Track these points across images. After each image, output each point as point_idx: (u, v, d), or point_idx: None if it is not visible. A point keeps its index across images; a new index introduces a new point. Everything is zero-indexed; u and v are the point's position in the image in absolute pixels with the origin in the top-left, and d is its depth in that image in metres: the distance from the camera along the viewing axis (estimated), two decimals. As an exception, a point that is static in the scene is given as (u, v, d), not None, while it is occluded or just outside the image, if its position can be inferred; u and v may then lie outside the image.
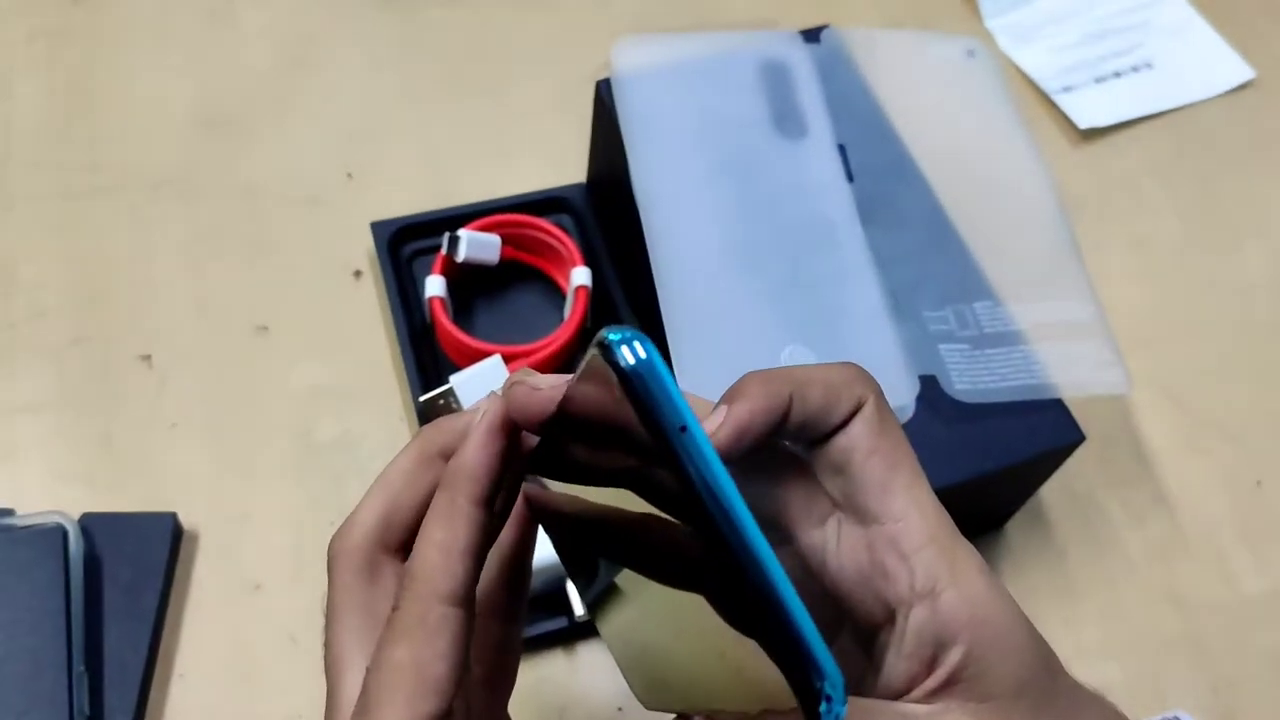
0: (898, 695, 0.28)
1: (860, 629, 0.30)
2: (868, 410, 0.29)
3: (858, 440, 0.29)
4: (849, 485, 0.29)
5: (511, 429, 0.28)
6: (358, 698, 0.26)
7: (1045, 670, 0.28)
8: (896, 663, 0.28)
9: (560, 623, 0.52)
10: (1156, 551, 0.58)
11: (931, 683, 0.27)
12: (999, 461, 0.49)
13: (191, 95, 0.69)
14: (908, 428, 0.48)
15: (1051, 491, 0.59)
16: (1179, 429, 0.63)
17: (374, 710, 0.26)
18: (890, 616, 0.29)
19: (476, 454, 0.28)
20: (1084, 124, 0.73)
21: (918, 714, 0.27)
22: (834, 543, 0.30)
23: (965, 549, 0.28)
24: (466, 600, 0.27)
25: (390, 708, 0.25)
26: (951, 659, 0.27)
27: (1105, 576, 0.58)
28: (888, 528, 0.28)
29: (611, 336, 0.23)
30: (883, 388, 0.48)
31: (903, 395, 0.48)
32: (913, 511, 0.28)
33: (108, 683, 0.49)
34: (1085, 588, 0.57)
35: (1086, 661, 0.54)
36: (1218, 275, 0.69)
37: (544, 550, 0.50)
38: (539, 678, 0.52)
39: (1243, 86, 0.77)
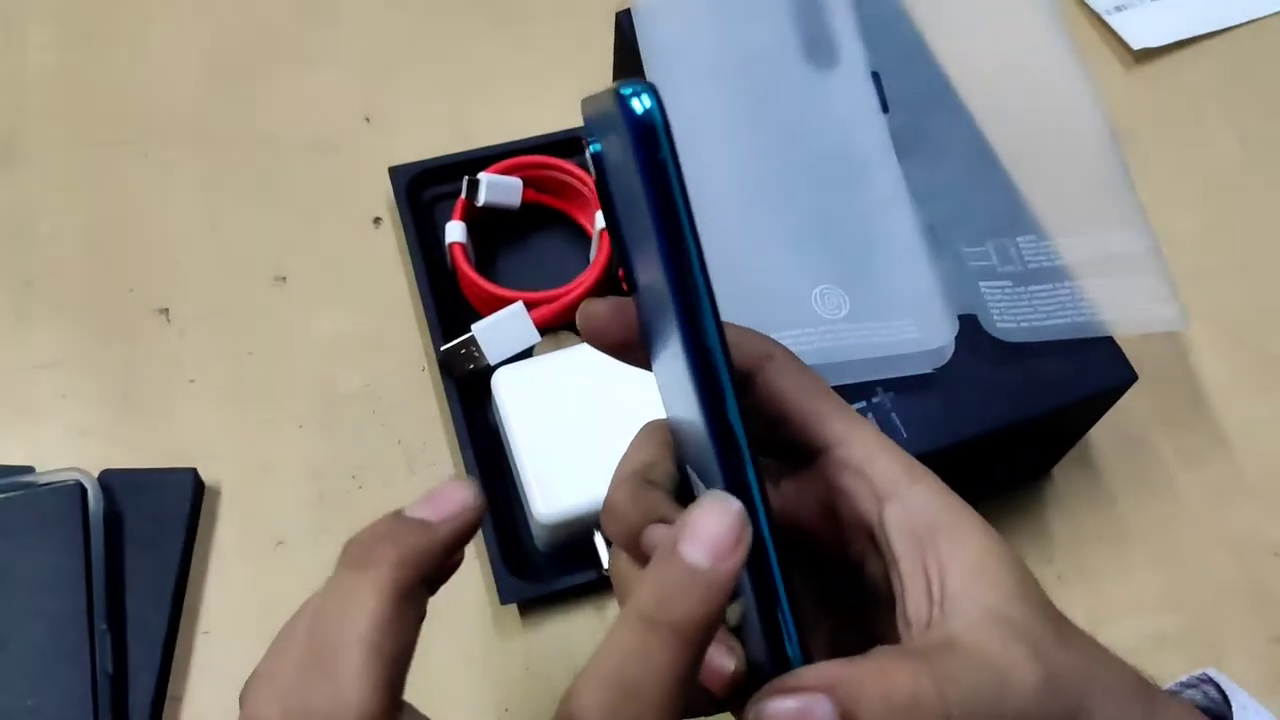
0: (924, 619, 0.26)
1: (850, 573, 0.29)
2: (779, 356, 0.29)
3: (777, 381, 0.29)
4: (785, 428, 0.29)
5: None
6: None
7: (1037, 587, 0.27)
8: (898, 582, 0.27)
9: (589, 575, 0.50)
10: (1214, 496, 0.56)
11: (936, 591, 0.26)
12: (1045, 404, 0.46)
13: (206, 42, 0.67)
14: (947, 369, 0.46)
15: (1101, 434, 0.56)
16: (1237, 367, 0.59)
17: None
18: (869, 539, 0.28)
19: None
20: (1138, 44, 0.69)
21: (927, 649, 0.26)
22: (792, 495, 0.29)
23: (915, 460, 0.28)
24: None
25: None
26: (943, 555, 0.26)
27: (1159, 522, 0.55)
28: (833, 453, 0.28)
29: (624, 90, 0.22)
30: (920, 328, 0.46)
31: (941, 335, 0.46)
32: (853, 431, 0.28)
33: (131, 640, 0.48)
34: (1138, 534, 0.55)
35: (1140, 611, 0.52)
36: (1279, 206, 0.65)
37: (567, 501, 0.49)
38: (568, 632, 0.51)
39: (1309, 1, 0.72)
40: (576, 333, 0.57)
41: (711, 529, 0.23)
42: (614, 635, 0.23)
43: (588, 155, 0.27)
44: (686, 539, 0.23)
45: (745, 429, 0.24)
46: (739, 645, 0.27)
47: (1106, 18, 0.70)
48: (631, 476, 0.29)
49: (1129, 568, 0.54)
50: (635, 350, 0.28)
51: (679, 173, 0.23)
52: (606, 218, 0.27)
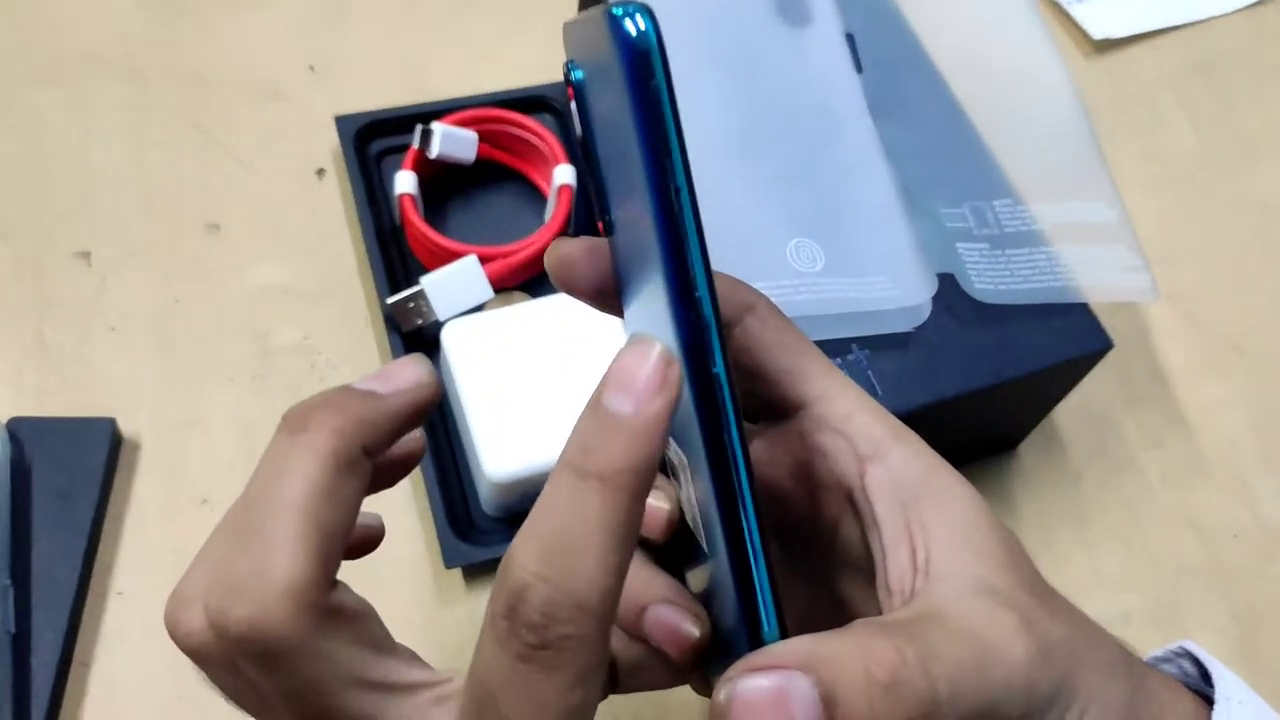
0: (908, 588, 0.25)
1: (822, 539, 0.27)
2: (760, 307, 0.27)
3: (757, 333, 0.27)
4: (762, 383, 0.27)
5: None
6: None
7: (1025, 558, 0.25)
8: (879, 548, 0.25)
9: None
10: (1175, 475, 0.55)
11: (921, 558, 0.24)
12: (1021, 367, 0.45)
13: (139, -23, 0.64)
14: (923, 329, 0.45)
15: (1066, 412, 0.55)
16: (1197, 349, 0.59)
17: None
18: (846, 501, 0.26)
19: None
20: (1098, 34, 0.69)
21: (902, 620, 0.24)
22: (764, 455, 0.27)
23: (898, 420, 0.26)
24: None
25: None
26: (928, 520, 0.24)
27: (1122, 501, 0.54)
28: (813, 410, 0.26)
29: (616, 10, 0.20)
30: (897, 284, 0.44)
31: (919, 293, 0.44)
32: (834, 389, 0.27)
33: (36, 598, 0.44)
34: (1101, 512, 0.53)
35: (1103, 589, 0.51)
36: (1235, 193, 0.65)
37: (518, 460, 0.46)
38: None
39: (1261, 2, 0.72)
40: (529, 293, 0.54)
41: (632, 372, 0.21)
42: (545, 492, 0.21)
43: (568, 83, 0.24)
44: (607, 386, 0.21)
45: (731, 384, 0.22)
46: (704, 612, 0.25)
47: (1068, 8, 0.70)
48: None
49: (1092, 545, 0.52)
50: (607, 295, 0.26)
51: (674, 103, 0.21)
52: (584, 153, 0.25)
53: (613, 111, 0.22)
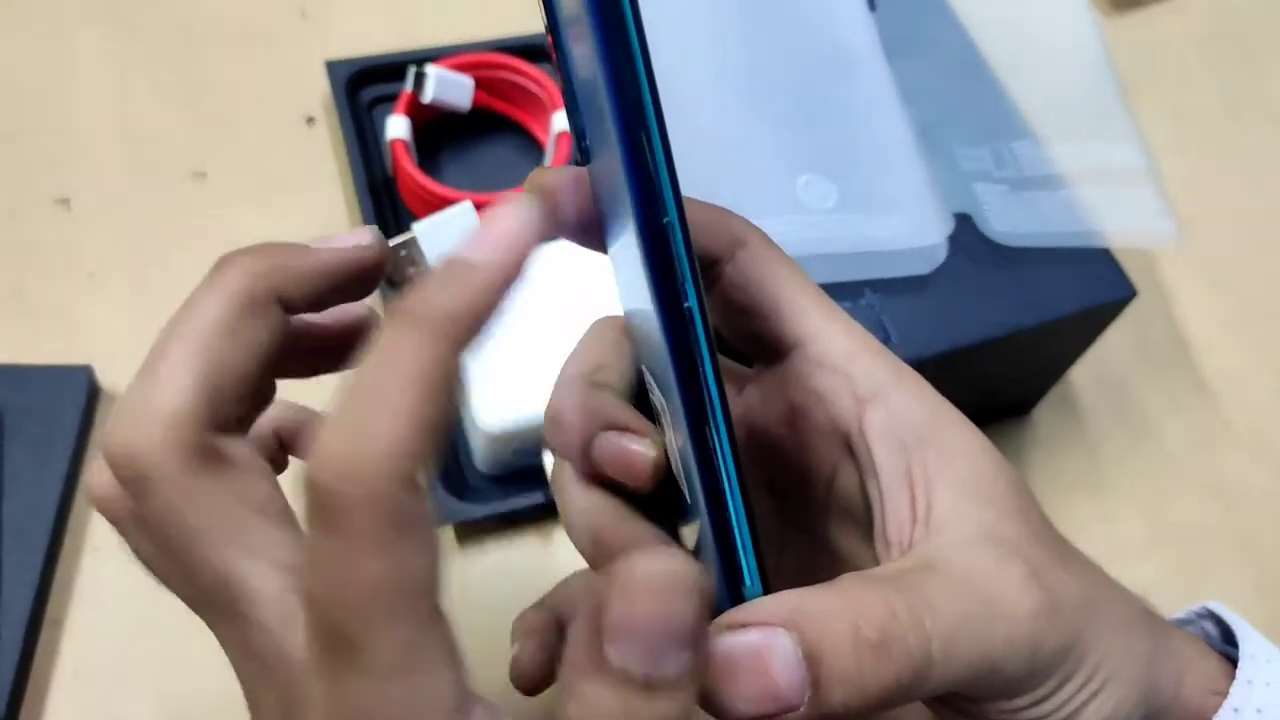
0: (906, 539, 0.23)
1: (819, 488, 0.25)
2: (753, 241, 0.25)
3: (749, 268, 0.24)
4: (756, 320, 0.24)
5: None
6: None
7: (1037, 507, 0.24)
8: (877, 496, 0.23)
9: (535, 498, 0.45)
10: (1197, 441, 0.53)
11: (922, 506, 0.22)
12: (1041, 314, 0.42)
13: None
14: (939, 273, 0.43)
15: (1083, 376, 0.53)
16: (1220, 313, 0.57)
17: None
18: (844, 447, 0.24)
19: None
20: (1119, -9, 0.67)
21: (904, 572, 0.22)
22: (756, 400, 0.26)
23: (901, 362, 0.24)
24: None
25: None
26: (931, 466, 0.22)
27: (1142, 467, 0.52)
28: (810, 349, 0.24)
29: None
30: (912, 224, 0.42)
31: (934, 233, 0.42)
32: (834, 326, 0.24)
33: (6, 550, 0.42)
34: (1121, 479, 0.51)
35: (1124, 558, 0.49)
36: (1261, 154, 0.63)
37: (513, 410, 0.44)
38: (509, 558, 0.46)
39: (1286, -38, 0.70)
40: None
41: (492, 226, 0.19)
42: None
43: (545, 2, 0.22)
44: (469, 241, 0.19)
45: (704, 318, 0.20)
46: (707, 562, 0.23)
47: (1086, -36, 0.68)
48: (578, 378, 0.25)
49: (1113, 513, 0.50)
50: (591, 231, 0.23)
51: (638, 19, 0.19)
52: (560, 74, 0.23)
53: (579, 23, 0.19)
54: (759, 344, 0.25)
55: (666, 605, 0.17)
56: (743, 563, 0.21)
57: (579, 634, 0.18)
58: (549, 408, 0.25)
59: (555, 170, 0.23)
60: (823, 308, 0.25)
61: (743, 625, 0.20)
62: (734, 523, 0.21)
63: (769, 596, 0.21)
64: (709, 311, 0.20)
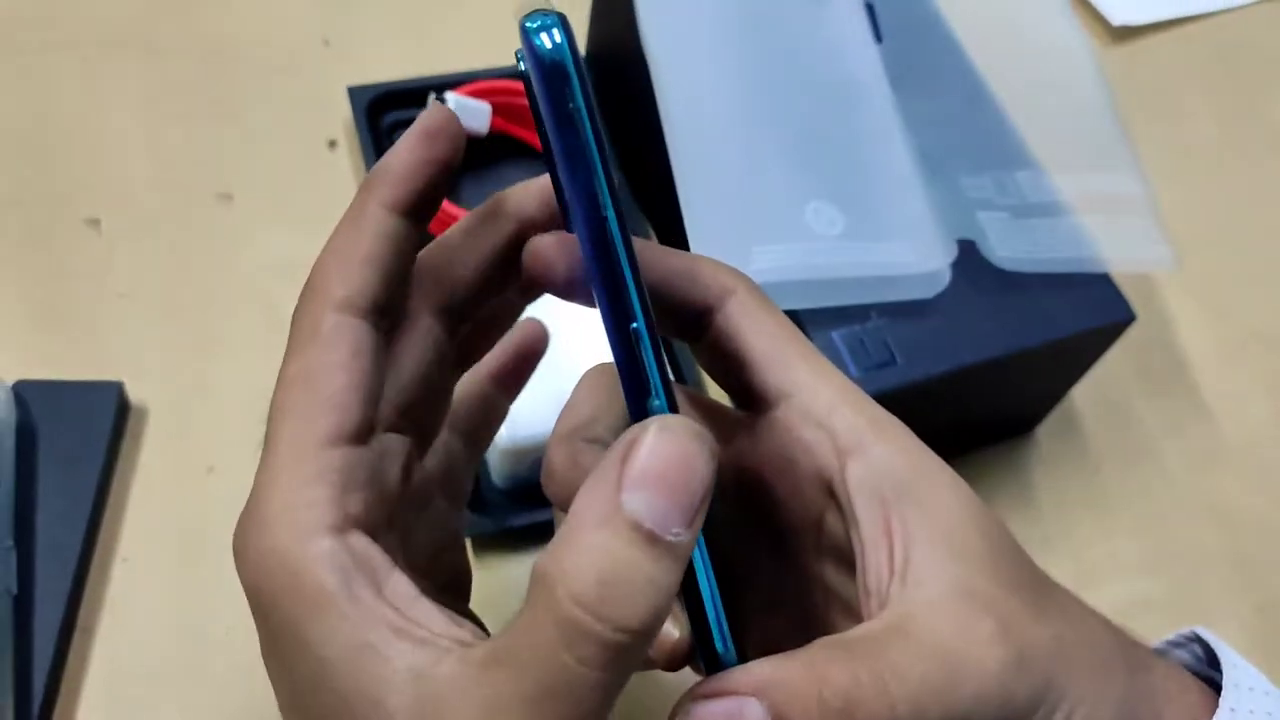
0: (884, 591, 0.24)
1: (809, 530, 0.27)
2: (741, 292, 0.26)
3: (738, 318, 0.26)
4: (745, 371, 0.26)
5: (449, 138, 0.24)
6: None
7: (1015, 554, 0.25)
8: (859, 546, 0.24)
9: (550, 513, 0.47)
10: (1197, 462, 0.54)
11: (899, 560, 0.24)
12: (1042, 336, 0.44)
13: (155, -47, 0.63)
14: (943, 297, 0.44)
15: (1085, 398, 0.54)
16: (1218, 338, 0.58)
17: (271, 431, 0.22)
18: (828, 495, 0.25)
19: (400, 155, 0.24)
20: (1118, 21, 0.68)
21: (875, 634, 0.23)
22: (748, 445, 0.27)
23: (883, 412, 0.26)
24: (369, 311, 0.24)
25: (286, 424, 0.22)
26: (909, 520, 0.24)
27: (1142, 488, 0.53)
28: (795, 400, 0.25)
29: (530, 22, 0.20)
30: (916, 250, 0.43)
31: (937, 259, 0.43)
32: (817, 379, 0.26)
33: (39, 561, 0.43)
34: (1121, 500, 0.52)
35: (1123, 578, 0.50)
36: (1257, 184, 0.64)
37: (530, 425, 0.45)
38: (522, 574, 0.47)
39: (1284, -7, 0.72)
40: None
41: (674, 484, 0.21)
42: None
43: (520, 75, 0.24)
44: (646, 491, 0.20)
45: (658, 361, 0.22)
46: (684, 615, 0.25)
47: (1087, -6, 0.70)
48: (571, 435, 0.26)
49: (1113, 533, 0.51)
50: (581, 290, 0.25)
51: (593, 120, 0.21)
52: (541, 143, 0.25)
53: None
54: (748, 394, 0.27)
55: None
56: (716, 635, 0.23)
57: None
58: (544, 461, 0.27)
59: (547, 236, 0.25)
60: (807, 359, 0.26)
61: (715, 695, 0.21)
62: (707, 600, 0.23)
63: (744, 665, 0.22)
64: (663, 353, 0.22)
